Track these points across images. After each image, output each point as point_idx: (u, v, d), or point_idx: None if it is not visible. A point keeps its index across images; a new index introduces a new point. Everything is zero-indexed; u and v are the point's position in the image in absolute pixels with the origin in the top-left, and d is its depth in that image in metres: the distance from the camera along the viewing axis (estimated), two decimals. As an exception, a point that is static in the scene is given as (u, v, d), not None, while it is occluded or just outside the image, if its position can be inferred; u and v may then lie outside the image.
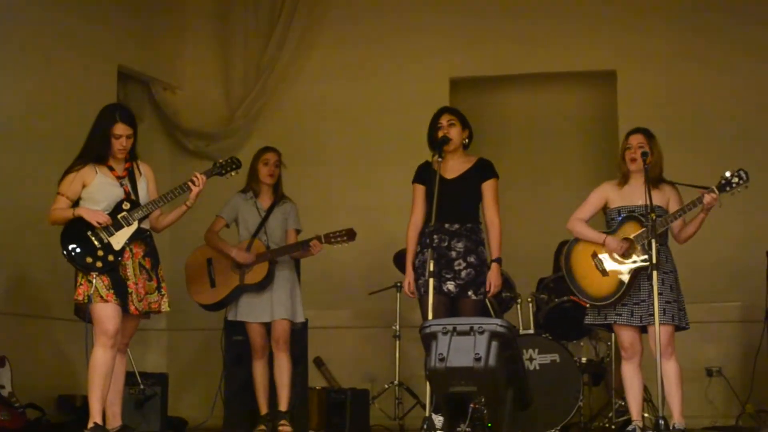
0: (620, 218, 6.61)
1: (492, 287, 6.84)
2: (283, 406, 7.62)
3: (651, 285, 6.38)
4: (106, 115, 6.47)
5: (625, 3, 9.74)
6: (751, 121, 9.38)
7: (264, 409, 7.70)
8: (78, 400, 8.22)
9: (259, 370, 7.71)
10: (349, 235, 7.67)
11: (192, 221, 9.73)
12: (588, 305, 6.75)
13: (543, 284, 8.73)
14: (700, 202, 6.38)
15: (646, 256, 6.39)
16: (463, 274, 6.82)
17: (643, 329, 6.54)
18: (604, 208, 6.79)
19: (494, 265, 6.86)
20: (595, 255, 6.65)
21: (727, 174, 6.34)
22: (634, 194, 6.59)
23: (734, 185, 6.31)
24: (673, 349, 6.49)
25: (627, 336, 6.57)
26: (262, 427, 7.62)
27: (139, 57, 9.87)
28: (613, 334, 8.22)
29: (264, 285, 7.59)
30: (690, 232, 6.57)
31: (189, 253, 7.88)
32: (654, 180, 6.60)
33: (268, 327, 7.66)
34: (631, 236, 6.49)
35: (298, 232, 7.82)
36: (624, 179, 6.67)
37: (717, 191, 6.32)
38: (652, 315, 6.35)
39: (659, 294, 6.40)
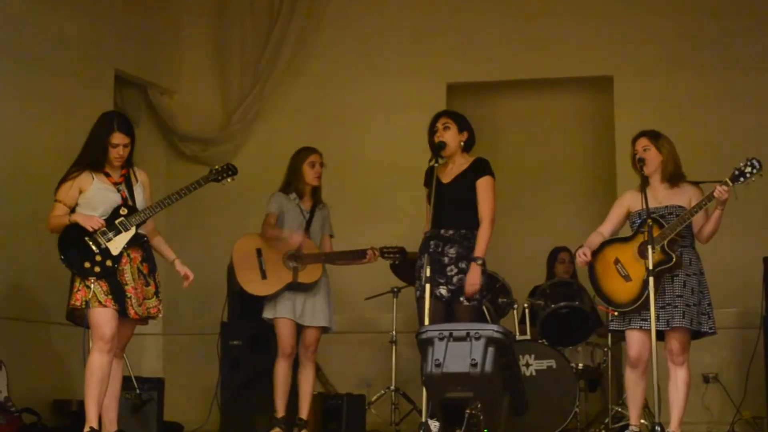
0: (638, 222, 6.56)
1: (467, 287, 6.74)
2: (304, 414, 7.58)
3: (673, 288, 6.39)
4: (103, 123, 6.45)
5: (622, 9, 9.75)
6: (748, 127, 9.39)
7: (281, 412, 7.54)
8: (74, 404, 8.22)
9: (283, 370, 7.54)
10: (402, 253, 7.66)
11: (189, 228, 9.80)
12: (616, 313, 6.66)
13: (539, 290, 8.74)
14: (713, 197, 6.32)
15: (666, 258, 6.35)
16: (455, 279, 6.80)
17: (659, 336, 6.38)
18: (629, 214, 6.73)
19: (472, 265, 6.76)
20: (617, 261, 6.61)
21: (740, 164, 6.30)
22: (652, 197, 6.51)
23: (748, 175, 6.25)
24: (686, 357, 6.45)
25: (637, 345, 6.50)
26: (278, 430, 7.50)
27: (136, 61, 9.87)
28: (610, 341, 8.28)
29: (313, 286, 7.54)
30: (709, 229, 6.50)
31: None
32: (671, 178, 6.57)
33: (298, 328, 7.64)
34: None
35: (331, 237, 7.79)
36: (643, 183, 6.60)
37: (730, 183, 6.28)
38: (674, 318, 6.35)
39: (680, 296, 6.39)
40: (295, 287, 7.50)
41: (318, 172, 7.69)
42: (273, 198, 7.69)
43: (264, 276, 7.54)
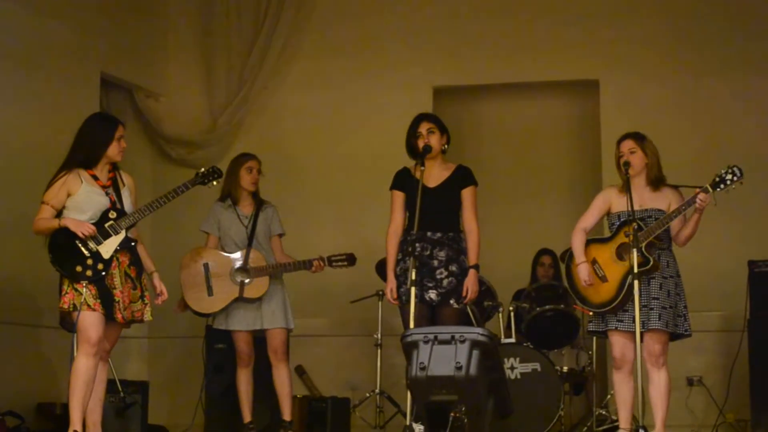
0: (617, 224, 6.60)
1: (469, 293, 6.79)
2: (286, 415, 7.62)
3: (649, 290, 6.42)
4: (105, 119, 6.53)
5: (607, 12, 9.77)
6: (735, 131, 9.41)
7: (247, 417, 7.68)
8: (58, 407, 8.20)
9: (243, 378, 7.68)
10: (350, 260, 7.73)
11: (173, 231, 9.79)
12: (591, 313, 6.72)
13: (524, 294, 8.76)
14: (693, 203, 6.36)
15: (643, 261, 6.36)
16: (445, 282, 6.80)
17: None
18: (608, 213, 6.76)
19: (471, 272, 6.82)
20: (594, 262, 6.64)
21: (722, 171, 6.33)
22: (633, 199, 6.52)
23: (728, 182, 6.28)
24: (665, 359, 6.48)
25: (619, 345, 6.54)
26: None
27: (122, 64, 9.85)
28: (594, 344, 8.31)
29: (262, 298, 7.56)
30: (686, 233, 6.53)
31: (183, 255, 7.79)
32: (653, 182, 6.59)
33: (254, 335, 7.64)
34: (628, 242, 6.44)
35: (281, 236, 7.79)
36: (625, 185, 6.62)
37: (710, 189, 6.31)
38: (650, 320, 6.37)
39: (656, 299, 6.43)
40: (242, 301, 7.55)
41: (255, 178, 7.73)
42: (209, 213, 7.76)
43: (210, 293, 7.60)
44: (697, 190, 6.35)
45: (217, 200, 7.78)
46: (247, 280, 7.53)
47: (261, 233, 7.68)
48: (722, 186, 6.29)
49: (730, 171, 6.30)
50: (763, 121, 9.40)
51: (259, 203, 7.75)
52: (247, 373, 7.68)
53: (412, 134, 6.96)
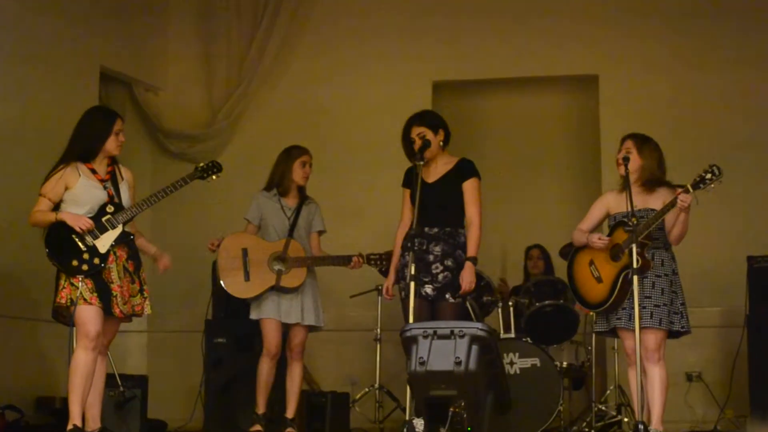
0: (613, 224, 6.62)
1: (464, 285, 6.76)
2: (290, 413, 7.59)
3: (642, 289, 6.41)
4: (102, 113, 6.53)
5: (607, 7, 9.77)
6: (734, 126, 9.41)
7: (262, 409, 7.57)
8: (57, 401, 8.20)
9: (266, 368, 7.55)
10: (389, 260, 7.62)
11: (174, 225, 9.79)
12: (593, 313, 6.74)
13: (523, 289, 8.76)
14: (675, 204, 6.36)
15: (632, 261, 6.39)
16: (440, 277, 6.80)
17: None
18: (607, 216, 6.76)
19: (467, 264, 6.80)
20: (591, 263, 6.67)
21: (702, 171, 6.35)
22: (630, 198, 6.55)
23: (708, 182, 6.30)
24: (660, 354, 6.48)
25: (630, 341, 6.55)
26: (258, 427, 7.51)
27: (122, 58, 9.84)
28: (594, 339, 8.32)
29: (298, 289, 7.54)
30: (676, 233, 6.54)
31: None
32: (645, 184, 6.60)
33: (284, 328, 7.64)
34: (621, 242, 6.49)
35: (320, 233, 7.76)
36: (624, 183, 6.64)
37: (691, 189, 6.32)
38: (643, 318, 6.38)
39: (648, 297, 6.44)
40: (278, 290, 7.50)
41: (307, 172, 7.70)
42: (253, 201, 7.70)
43: (247, 278, 7.53)
44: (679, 190, 6.36)
45: (262, 189, 7.72)
46: (284, 270, 7.52)
47: (302, 227, 7.65)
48: (702, 186, 6.30)
49: (709, 171, 6.32)
50: (761, 116, 9.40)
51: (303, 197, 7.73)
52: (272, 366, 7.57)
53: (406, 138, 6.97)
